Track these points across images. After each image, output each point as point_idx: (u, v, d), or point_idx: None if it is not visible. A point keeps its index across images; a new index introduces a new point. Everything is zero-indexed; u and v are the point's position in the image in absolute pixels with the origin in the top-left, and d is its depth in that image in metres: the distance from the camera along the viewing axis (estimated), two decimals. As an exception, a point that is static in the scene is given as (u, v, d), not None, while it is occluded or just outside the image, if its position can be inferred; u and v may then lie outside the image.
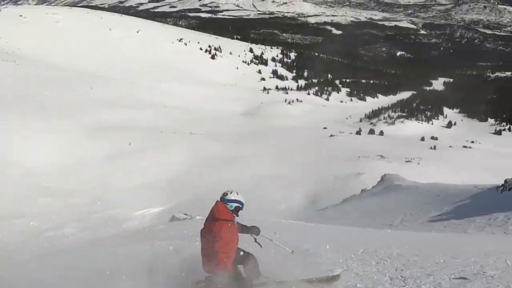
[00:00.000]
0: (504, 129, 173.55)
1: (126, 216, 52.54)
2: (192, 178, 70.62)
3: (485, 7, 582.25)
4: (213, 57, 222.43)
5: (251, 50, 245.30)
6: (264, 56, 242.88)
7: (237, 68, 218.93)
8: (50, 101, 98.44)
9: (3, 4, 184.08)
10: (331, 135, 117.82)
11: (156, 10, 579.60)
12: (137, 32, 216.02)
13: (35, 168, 65.62)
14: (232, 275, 8.21)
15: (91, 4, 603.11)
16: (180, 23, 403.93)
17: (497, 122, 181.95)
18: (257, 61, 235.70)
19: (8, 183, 58.12)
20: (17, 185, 58.56)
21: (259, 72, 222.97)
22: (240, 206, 9.04)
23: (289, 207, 58.26)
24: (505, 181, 28.07)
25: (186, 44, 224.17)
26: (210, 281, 8.24)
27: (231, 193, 9.12)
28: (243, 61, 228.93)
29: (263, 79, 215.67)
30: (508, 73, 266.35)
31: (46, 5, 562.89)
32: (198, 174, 72.25)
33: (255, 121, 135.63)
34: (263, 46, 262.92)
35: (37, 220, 46.23)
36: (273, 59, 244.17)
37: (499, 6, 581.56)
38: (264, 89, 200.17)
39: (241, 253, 8.58)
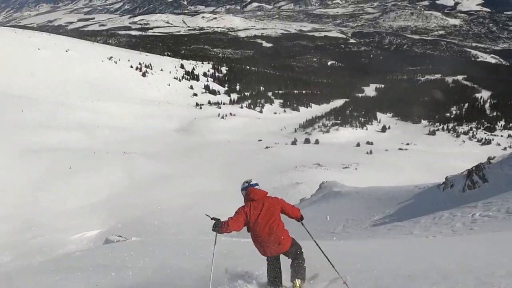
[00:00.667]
0: (438, 129, 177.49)
1: (62, 241, 50.81)
2: (128, 198, 69.23)
3: (412, 13, 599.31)
4: (144, 75, 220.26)
5: (182, 66, 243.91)
6: (196, 72, 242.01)
7: (169, 84, 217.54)
8: None
9: None
10: (267, 147, 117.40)
11: (85, 29, 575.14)
12: (66, 51, 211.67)
13: None
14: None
15: (19, 24, 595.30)
16: (110, 41, 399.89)
17: (430, 123, 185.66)
18: (188, 77, 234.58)
19: None
20: None
21: (191, 87, 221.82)
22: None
23: (230, 220, 57.05)
24: (446, 178, 28.38)
25: (116, 62, 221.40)
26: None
27: (252, 180, 8.92)
28: (174, 77, 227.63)
29: (195, 94, 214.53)
30: (438, 75, 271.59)
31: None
32: (134, 194, 70.81)
33: (189, 137, 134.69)
34: (194, 62, 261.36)
35: None
36: (205, 74, 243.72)
37: (425, 12, 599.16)
38: (197, 104, 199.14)
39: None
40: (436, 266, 8.42)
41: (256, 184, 8.80)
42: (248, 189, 8.70)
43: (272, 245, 8.22)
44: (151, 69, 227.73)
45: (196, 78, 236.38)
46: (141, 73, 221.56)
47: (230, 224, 8.20)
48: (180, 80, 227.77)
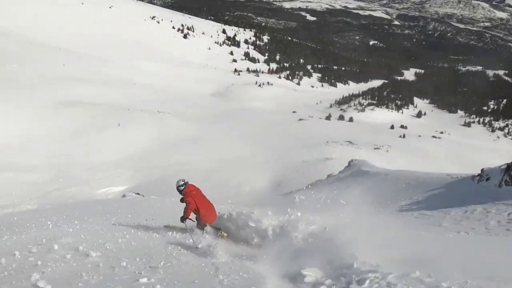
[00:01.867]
0: (473, 122, 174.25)
1: (88, 194, 51.19)
2: (157, 157, 69.41)
3: (459, 1, 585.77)
4: (185, 37, 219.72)
5: (224, 31, 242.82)
6: (237, 38, 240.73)
7: (209, 48, 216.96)
8: (16, 74, 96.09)
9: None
10: (300, 119, 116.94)
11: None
12: (110, 7, 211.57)
13: None
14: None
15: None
16: (155, 1, 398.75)
17: (466, 114, 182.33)
18: (229, 43, 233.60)
19: None
20: None
21: (231, 53, 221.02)
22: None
23: (253, 189, 57.40)
24: (482, 170, 26.20)
25: (158, 22, 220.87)
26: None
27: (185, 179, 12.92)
28: (215, 42, 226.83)
29: (234, 60, 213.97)
30: (479, 67, 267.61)
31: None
32: (163, 154, 71.01)
33: (224, 102, 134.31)
34: (236, 28, 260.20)
35: None
36: (246, 42, 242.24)
37: (473, 1, 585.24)
38: (235, 70, 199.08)
39: None
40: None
41: (187, 182, 12.69)
42: (187, 186, 12.56)
43: (213, 217, 12.68)
44: (193, 31, 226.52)
45: (237, 44, 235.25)
46: (182, 34, 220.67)
47: (189, 211, 12.00)
48: (220, 45, 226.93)
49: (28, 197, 45.25)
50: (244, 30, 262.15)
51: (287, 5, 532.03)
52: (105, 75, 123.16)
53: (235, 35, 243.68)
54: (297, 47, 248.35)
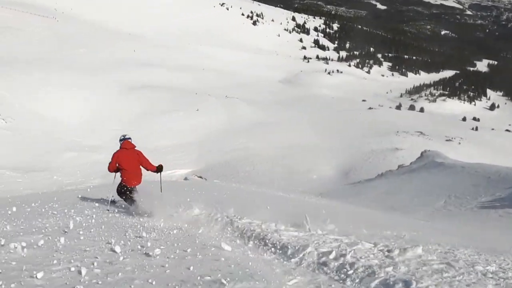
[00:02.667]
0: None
1: (151, 175, 50.70)
2: (223, 141, 68.92)
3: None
4: (254, 23, 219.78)
5: (293, 19, 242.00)
6: (306, 25, 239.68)
7: (279, 35, 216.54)
8: (85, 58, 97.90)
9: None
10: (370, 108, 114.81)
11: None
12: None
13: (64, 123, 65.19)
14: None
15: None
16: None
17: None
18: (299, 30, 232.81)
19: (34, 137, 57.72)
20: (44, 139, 57.97)
21: (300, 40, 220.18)
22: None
23: (320, 177, 56.17)
24: None
25: (228, 9, 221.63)
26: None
27: (125, 134, 13.15)
28: (284, 29, 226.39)
29: (304, 47, 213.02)
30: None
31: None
32: (229, 138, 70.45)
33: (293, 89, 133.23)
34: (305, 15, 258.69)
35: (61, 174, 45.18)
36: (316, 29, 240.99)
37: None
38: (305, 58, 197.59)
39: None
40: None
41: (130, 138, 12.97)
42: (125, 141, 12.80)
43: (136, 180, 12.70)
44: (262, 18, 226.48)
45: (307, 32, 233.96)
46: (252, 21, 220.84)
47: (109, 165, 12.56)
48: (290, 32, 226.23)
49: (91, 176, 45.15)
50: (314, 17, 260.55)
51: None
52: (174, 61, 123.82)
53: (305, 22, 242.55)
54: (367, 36, 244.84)
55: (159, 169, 13.22)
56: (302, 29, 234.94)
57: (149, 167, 12.93)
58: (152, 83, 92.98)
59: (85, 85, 79.15)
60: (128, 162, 12.58)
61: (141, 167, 12.84)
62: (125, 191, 12.61)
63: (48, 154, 51.57)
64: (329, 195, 34.50)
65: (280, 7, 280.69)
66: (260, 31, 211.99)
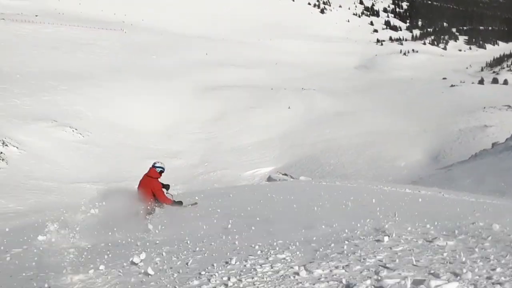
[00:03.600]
0: None
1: (234, 176, 50.66)
2: (304, 135, 67.33)
3: None
4: (322, 11, 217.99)
5: (361, 2, 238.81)
6: (375, 7, 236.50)
7: (348, 21, 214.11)
8: (157, 65, 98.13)
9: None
10: (452, 86, 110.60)
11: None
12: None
13: (140, 131, 65.25)
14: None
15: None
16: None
17: None
18: (368, 13, 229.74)
19: (111, 148, 57.80)
20: (121, 149, 58.11)
21: (371, 23, 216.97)
22: (163, 170, 13.92)
23: (408, 164, 53.38)
24: None
25: (293, 0, 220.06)
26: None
27: (158, 162, 14.00)
28: (353, 14, 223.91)
29: (375, 30, 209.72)
30: None
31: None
32: (310, 131, 68.74)
33: (369, 74, 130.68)
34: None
35: None
36: (385, 10, 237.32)
37: None
38: (378, 41, 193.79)
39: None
40: None
41: (158, 167, 13.78)
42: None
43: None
44: (329, 5, 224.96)
45: (376, 14, 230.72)
46: (319, 9, 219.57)
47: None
48: (359, 16, 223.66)
49: (173, 182, 44.13)
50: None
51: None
52: (246, 58, 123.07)
53: (373, 4, 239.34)
54: (438, 11, 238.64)
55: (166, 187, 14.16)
56: (371, 11, 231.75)
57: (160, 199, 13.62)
58: (226, 83, 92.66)
59: (159, 91, 79.54)
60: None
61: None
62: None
63: (127, 164, 51.61)
64: (423, 183, 32.45)
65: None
66: (329, 18, 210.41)
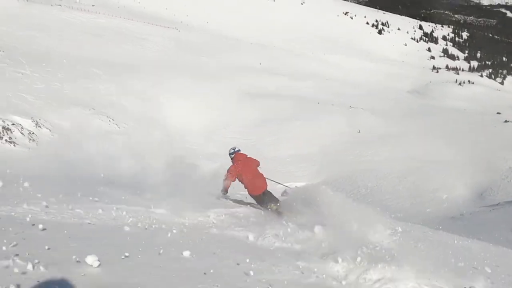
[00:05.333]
0: None
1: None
2: (345, 153, 64.84)
3: None
4: (380, 32, 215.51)
5: (420, 27, 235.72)
6: (434, 34, 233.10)
7: (405, 44, 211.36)
8: (206, 66, 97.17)
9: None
10: (506, 121, 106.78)
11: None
12: (302, 4, 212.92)
13: (179, 129, 62.24)
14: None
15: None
16: (349, 1, 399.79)
17: None
18: (426, 39, 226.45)
19: (148, 143, 54.75)
20: (156, 143, 55.26)
21: (429, 50, 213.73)
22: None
23: (450, 197, 50.37)
24: None
25: (352, 18, 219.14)
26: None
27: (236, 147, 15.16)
28: (411, 38, 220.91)
29: (432, 57, 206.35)
30: None
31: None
32: (351, 150, 66.19)
33: (421, 100, 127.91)
34: (433, 24, 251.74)
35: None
36: (444, 38, 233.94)
37: None
38: (433, 68, 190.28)
39: None
40: None
41: (239, 150, 15.01)
42: (237, 154, 14.72)
43: (257, 189, 14.25)
44: (388, 27, 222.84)
45: (435, 41, 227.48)
46: (377, 30, 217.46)
47: (226, 181, 14.07)
48: (417, 41, 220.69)
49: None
50: (442, 26, 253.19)
51: (485, 1, 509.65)
52: (296, 69, 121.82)
53: (432, 31, 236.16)
54: (498, 45, 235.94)
55: None
56: (430, 38, 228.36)
57: None
58: (273, 91, 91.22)
59: (204, 93, 78.22)
60: (248, 172, 14.07)
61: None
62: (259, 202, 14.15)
63: (158, 160, 49.23)
64: (463, 220, 30.22)
65: (406, 16, 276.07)
66: (385, 40, 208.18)
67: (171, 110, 66.53)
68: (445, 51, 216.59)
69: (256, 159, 14.76)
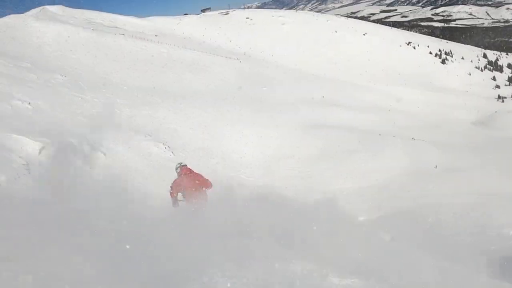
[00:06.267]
0: None
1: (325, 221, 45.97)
2: (403, 188, 61.98)
3: None
4: (443, 62, 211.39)
5: (484, 56, 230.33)
6: (499, 63, 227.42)
7: (469, 74, 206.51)
8: (266, 97, 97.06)
9: (232, 9, 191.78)
10: None
11: (387, 20, 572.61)
12: (364, 35, 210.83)
13: (236, 160, 63.21)
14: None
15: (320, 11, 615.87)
16: (411, 31, 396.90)
17: None
18: (491, 67, 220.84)
19: (202, 171, 54.55)
20: (212, 174, 54.70)
21: (493, 79, 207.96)
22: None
23: (517, 234, 47.69)
24: None
25: (415, 48, 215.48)
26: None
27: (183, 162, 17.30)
28: (475, 67, 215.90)
29: (497, 86, 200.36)
30: None
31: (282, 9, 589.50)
32: (411, 184, 63.51)
33: (487, 131, 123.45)
34: (497, 52, 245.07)
35: None
36: (509, 66, 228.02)
37: None
38: (499, 97, 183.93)
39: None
40: None
41: (185, 165, 17.02)
42: (182, 168, 16.66)
43: (192, 198, 15.48)
44: (451, 56, 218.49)
45: (500, 69, 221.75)
46: (440, 60, 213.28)
47: (171, 196, 16.14)
48: (481, 70, 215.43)
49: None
50: (507, 54, 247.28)
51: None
52: (359, 101, 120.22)
53: (497, 59, 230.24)
54: None
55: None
56: (494, 66, 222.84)
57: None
58: (334, 123, 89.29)
59: (263, 123, 78.01)
60: (188, 184, 15.57)
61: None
62: None
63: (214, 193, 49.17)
64: None
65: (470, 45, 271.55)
66: (449, 69, 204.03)
67: (229, 141, 67.46)
68: (510, 80, 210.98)
69: (207, 178, 16.36)
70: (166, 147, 57.56)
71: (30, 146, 40.20)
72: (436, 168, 71.11)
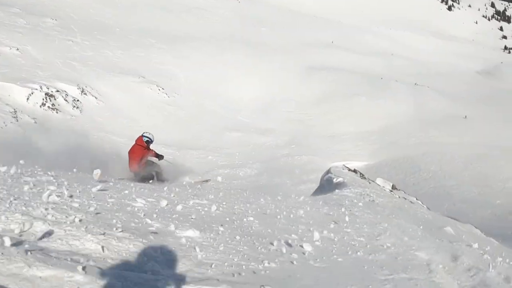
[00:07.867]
0: None
1: (318, 165, 43.13)
2: (408, 133, 60.29)
3: None
4: (449, 8, 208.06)
5: (492, 5, 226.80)
6: (507, 13, 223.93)
7: (476, 22, 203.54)
8: (266, 38, 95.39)
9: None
10: None
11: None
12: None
13: (233, 102, 62.63)
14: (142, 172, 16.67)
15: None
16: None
17: None
18: (498, 17, 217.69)
19: (198, 113, 55.76)
20: (208, 117, 55.90)
21: (500, 29, 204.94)
22: (150, 140, 17.72)
23: (523, 188, 45.78)
24: None
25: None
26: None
27: (147, 132, 17.68)
28: (483, 16, 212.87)
29: (504, 37, 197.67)
30: None
31: None
32: (417, 131, 61.60)
33: (492, 81, 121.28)
34: (506, 2, 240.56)
35: (217, 154, 43.56)
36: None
37: None
38: (505, 48, 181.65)
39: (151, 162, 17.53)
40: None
41: (143, 134, 17.81)
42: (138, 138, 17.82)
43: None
44: (458, 3, 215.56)
45: (507, 19, 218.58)
46: (446, 6, 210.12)
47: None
48: (489, 20, 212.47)
49: (251, 160, 42.64)
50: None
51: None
52: (361, 44, 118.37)
53: (505, 9, 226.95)
54: None
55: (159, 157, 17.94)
56: (502, 16, 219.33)
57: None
58: (335, 66, 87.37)
59: (263, 65, 76.24)
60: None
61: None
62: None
63: (209, 133, 50.45)
64: None
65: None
66: (456, 17, 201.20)
67: (228, 83, 66.60)
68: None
69: (141, 145, 17.30)
70: (160, 88, 57.54)
71: (18, 93, 40.10)
72: (439, 115, 69.21)
